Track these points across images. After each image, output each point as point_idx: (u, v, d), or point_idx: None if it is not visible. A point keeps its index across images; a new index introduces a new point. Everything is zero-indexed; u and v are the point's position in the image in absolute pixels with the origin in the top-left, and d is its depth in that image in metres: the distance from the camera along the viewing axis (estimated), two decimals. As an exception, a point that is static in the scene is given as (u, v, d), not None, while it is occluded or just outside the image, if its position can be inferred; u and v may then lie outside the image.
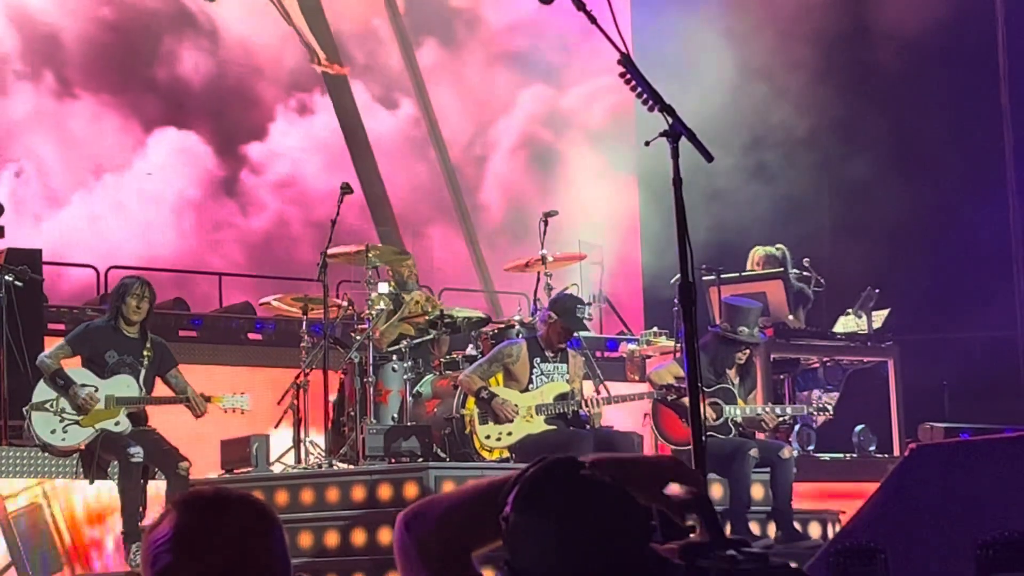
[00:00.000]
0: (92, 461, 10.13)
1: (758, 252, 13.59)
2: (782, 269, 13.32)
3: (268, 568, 2.63)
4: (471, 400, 10.56)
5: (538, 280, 11.81)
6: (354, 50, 17.89)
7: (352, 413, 11.04)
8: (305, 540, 9.95)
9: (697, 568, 2.56)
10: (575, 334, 10.97)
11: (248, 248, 16.95)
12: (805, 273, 13.45)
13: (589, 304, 12.11)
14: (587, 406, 10.56)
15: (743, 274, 13.36)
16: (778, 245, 13.63)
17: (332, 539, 9.92)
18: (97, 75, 16.61)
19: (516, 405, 10.44)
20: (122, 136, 16.54)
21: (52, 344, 10.63)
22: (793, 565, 2.67)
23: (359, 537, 9.86)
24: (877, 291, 13.56)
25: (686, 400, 10.64)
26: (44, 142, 16.22)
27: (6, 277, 10.73)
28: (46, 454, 10.21)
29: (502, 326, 11.67)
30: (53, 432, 10.09)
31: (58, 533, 10.43)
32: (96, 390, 10.10)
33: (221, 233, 16.96)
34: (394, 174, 17.81)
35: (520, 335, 11.18)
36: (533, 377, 10.57)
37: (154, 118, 16.66)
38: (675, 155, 5.71)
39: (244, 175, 17.08)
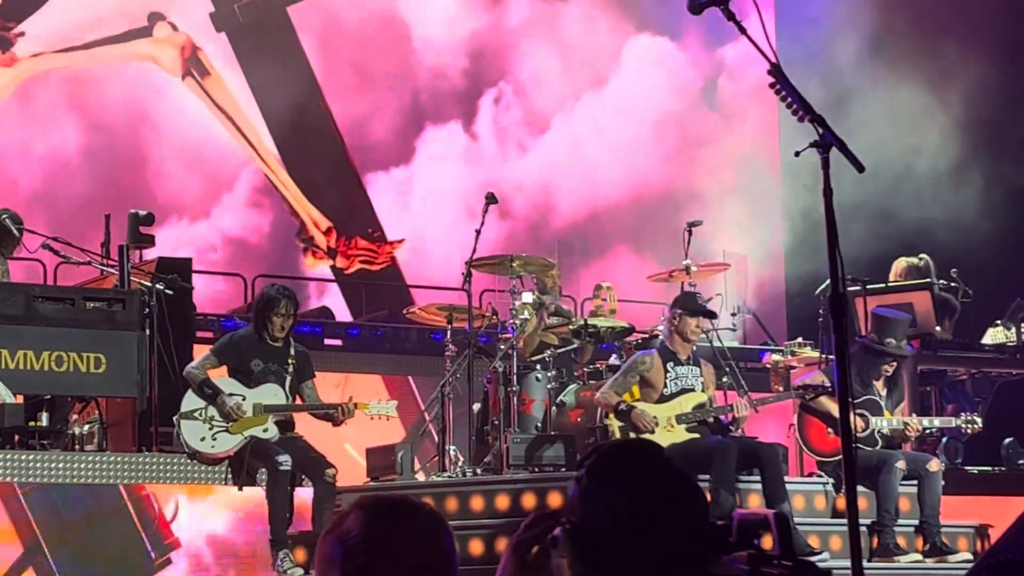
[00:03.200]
0: (241, 468, 10.23)
1: (901, 263, 13.40)
2: (925, 280, 13.12)
3: (448, 574, 2.71)
4: (614, 411, 10.54)
5: (682, 290, 11.73)
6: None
7: (496, 422, 11.07)
8: (450, 548, 9.97)
9: (759, 573, 2.89)
10: (694, 346, 10.81)
11: (737, 169, 15.48)
12: (952, 284, 13.25)
13: (734, 314, 11.99)
14: (734, 410, 10.46)
15: (889, 284, 13.17)
16: (921, 255, 13.42)
17: (476, 547, 9.96)
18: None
19: (655, 416, 10.40)
20: (614, 36, 15.53)
21: (201, 352, 10.77)
22: None
23: (503, 545, 9.86)
24: (1028, 302, 13.34)
25: (825, 400, 10.59)
26: (539, 51, 15.29)
27: (157, 286, 10.86)
28: (195, 461, 10.36)
29: (646, 335, 11.62)
30: (203, 440, 10.21)
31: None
32: (243, 399, 10.21)
33: (705, 151, 15.62)
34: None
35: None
36: (668, 382, 10.50)
37: (644, 18, 15.49)
38: (825, 165, 5.63)
39: (723, 82, 15.84)
